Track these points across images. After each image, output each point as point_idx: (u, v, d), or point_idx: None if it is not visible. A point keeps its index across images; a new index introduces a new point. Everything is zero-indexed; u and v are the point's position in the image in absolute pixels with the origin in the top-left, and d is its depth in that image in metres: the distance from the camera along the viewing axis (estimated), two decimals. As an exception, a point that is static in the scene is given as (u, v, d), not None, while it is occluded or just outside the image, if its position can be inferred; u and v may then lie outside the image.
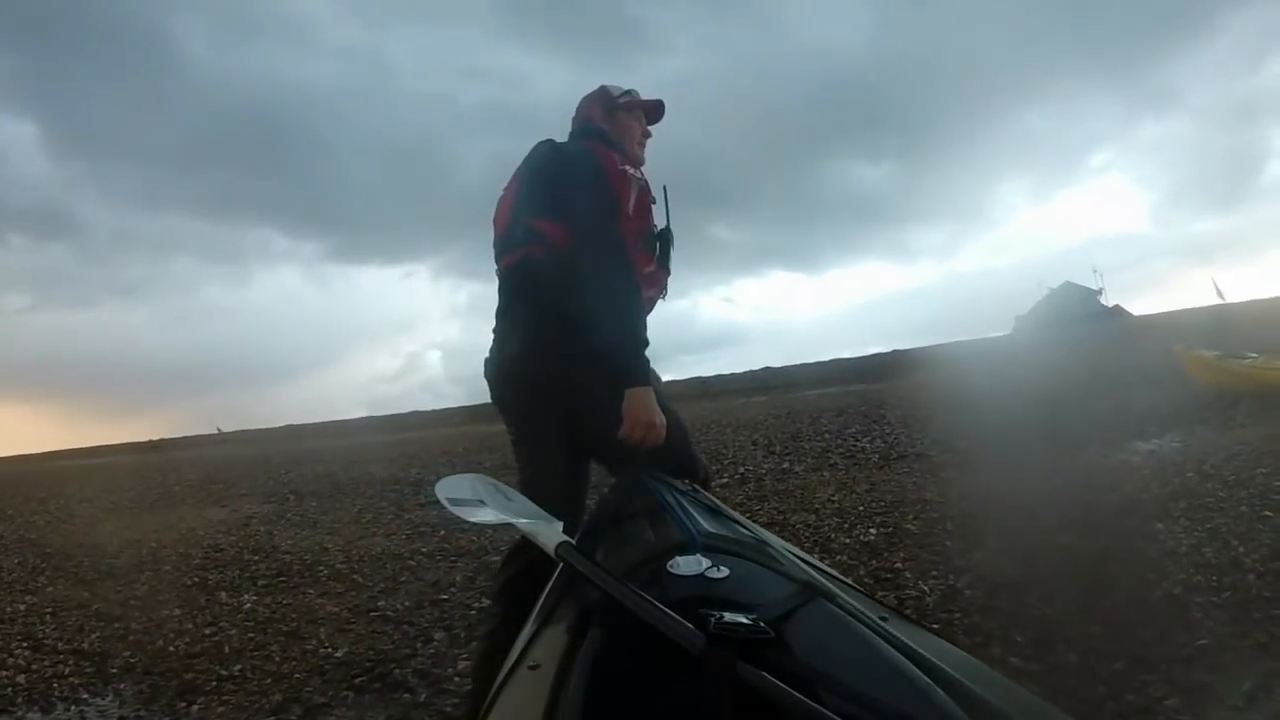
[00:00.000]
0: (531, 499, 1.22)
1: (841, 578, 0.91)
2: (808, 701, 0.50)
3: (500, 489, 1.41)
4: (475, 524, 1.24)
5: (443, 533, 4.43)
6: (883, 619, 0.70)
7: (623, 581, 0.70)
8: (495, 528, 1.22)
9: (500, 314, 1.64)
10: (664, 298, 1.74)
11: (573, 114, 1.80)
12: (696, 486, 1.25)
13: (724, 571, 0.75)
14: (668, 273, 1.70)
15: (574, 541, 0.91)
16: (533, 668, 0.69)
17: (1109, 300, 36.10)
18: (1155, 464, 4.19)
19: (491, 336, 1.68)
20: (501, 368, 1.60)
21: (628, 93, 1.78)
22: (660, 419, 1.43)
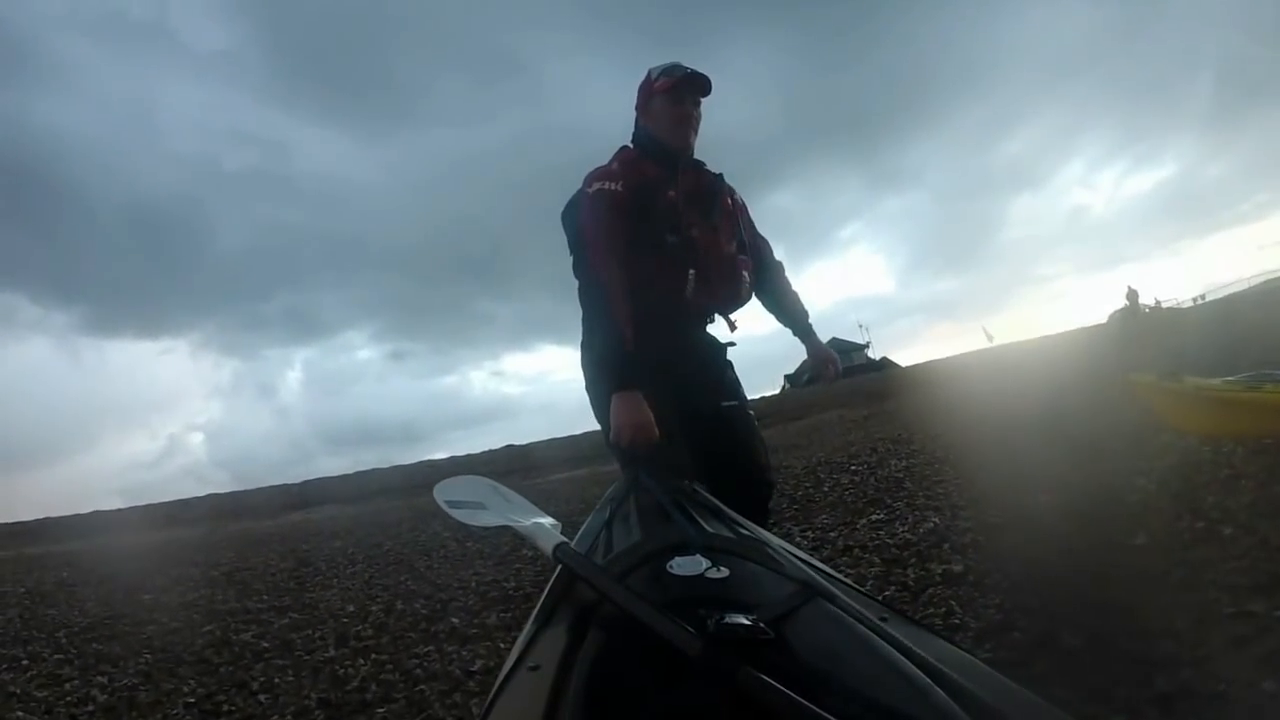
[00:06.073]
0: None
1: (841, 578, 0.91)
2: (806, 703, 0.50)
3: (499, 491, 1.41)
4: (476, 527, 1.24)
5: None
6: (883, 619, 0.70)
7: (620, 583, 0.70)
8: (495, 530, 1.21)
9: None
10: (749, 284, 1.69)
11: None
12: (698, 487, 1.25)
13: (723, 572, 0.75)
14: (716, 241, 1.61)
15: (571, 543, 0.91)
16: (532, 669, 0.68)
17: (875, 353, 36.44)
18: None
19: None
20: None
21: (666, 70, 1.65)
22: (644, 418, 1.38)
